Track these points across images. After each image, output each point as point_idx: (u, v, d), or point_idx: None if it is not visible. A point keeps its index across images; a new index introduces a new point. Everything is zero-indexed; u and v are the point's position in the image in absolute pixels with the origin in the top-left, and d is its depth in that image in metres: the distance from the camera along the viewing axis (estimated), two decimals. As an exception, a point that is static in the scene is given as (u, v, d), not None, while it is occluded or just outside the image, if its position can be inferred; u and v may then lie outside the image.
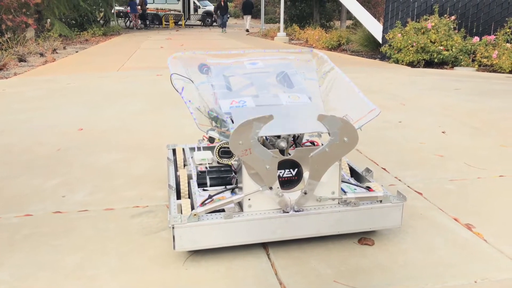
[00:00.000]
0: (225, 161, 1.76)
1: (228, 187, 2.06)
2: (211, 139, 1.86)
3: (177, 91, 2.03)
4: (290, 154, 1.84)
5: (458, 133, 3.69)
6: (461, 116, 4.27)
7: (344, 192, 1.90)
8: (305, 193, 1.77)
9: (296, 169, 1.85)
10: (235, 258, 1.80)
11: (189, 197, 2.10)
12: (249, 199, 1.78)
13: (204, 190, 2.06)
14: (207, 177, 2.09)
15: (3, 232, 2.04)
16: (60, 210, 2.27)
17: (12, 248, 1.90)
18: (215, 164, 2.24)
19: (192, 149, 2.66)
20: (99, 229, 2.07)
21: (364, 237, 1.95)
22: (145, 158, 3.07)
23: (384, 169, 2.84)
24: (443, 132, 3.69)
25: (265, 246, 1.88)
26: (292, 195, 1.82)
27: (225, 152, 1.75)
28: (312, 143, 2.21)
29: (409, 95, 5.32)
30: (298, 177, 1.86)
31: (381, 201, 1.87)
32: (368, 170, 2.21)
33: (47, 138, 3.54)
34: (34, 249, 1.90)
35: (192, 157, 2.43)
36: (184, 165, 2.59)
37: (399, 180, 2.66)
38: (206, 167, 2.23)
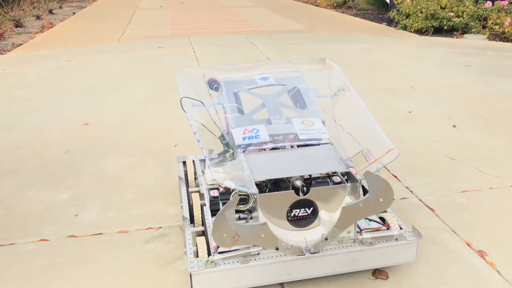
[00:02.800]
0: (241, 207, 1.75)
1: (241, 216, 2.05)
2: (227, 189, 1.83)
3: (189, 120, 1.98)
4: (305, 188, 1.82)
5: (468, 126, 3.64)
6: (471, 103, 4.19)
7: (359, 228, 1.89)
8: (326, 239, 1.76)
9: (311, 208, 1.83)
10: (251, 297, 1.83)
11: (202, 225, 2.11)
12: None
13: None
14: (221, 204, 2.08)
15: (20, 263, 2.06)
16: (75, 233, 2.28)
17: (29, 284, 1.93)
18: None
19: (203, 161, 2.63)
20: (115, 257, 2.09)
21: (378, 270, 1.96)
22: (154, 163, 3.04)
23: (395, 176, 2.82)
24: (453, 126, 3.64)
25: (281, 283, 1.90)
26: (308, 235, 1.82)
27: (241, 200, 1.73)
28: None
29: (418, 75, 5.19)
30: (313, 215, 1.84)
31: (396, 239, 1.87)
32: (382, 194, 2.19)
33: (53, 137, 3.50)
34: (51, 284, 1.93)
35: (203, 174, 2.41)
36: (195, 179, 2.58)
37: (411, 191, 2.65)
38: (218, 189, 2.22)
